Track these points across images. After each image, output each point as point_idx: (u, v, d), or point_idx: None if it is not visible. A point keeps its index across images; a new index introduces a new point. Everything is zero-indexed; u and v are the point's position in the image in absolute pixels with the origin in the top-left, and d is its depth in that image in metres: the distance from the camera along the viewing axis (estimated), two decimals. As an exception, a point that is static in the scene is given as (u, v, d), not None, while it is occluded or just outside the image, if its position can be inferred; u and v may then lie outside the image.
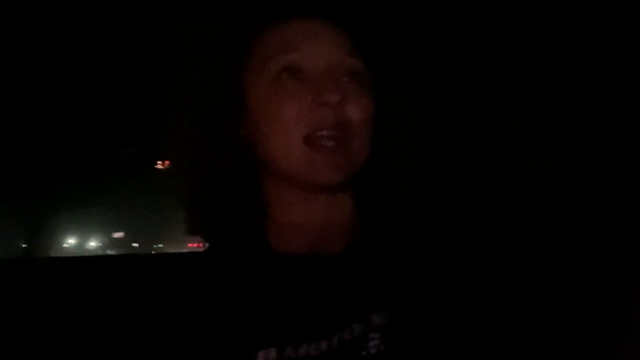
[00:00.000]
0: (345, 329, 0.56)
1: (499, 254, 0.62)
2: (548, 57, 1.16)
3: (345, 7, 0.62)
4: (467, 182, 1.19)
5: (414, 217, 0.65)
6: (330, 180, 0.57)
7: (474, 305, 0.57)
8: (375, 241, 0.62)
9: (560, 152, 1.17)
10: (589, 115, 1.13)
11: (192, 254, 0.67)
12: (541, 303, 0.62)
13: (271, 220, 0.63)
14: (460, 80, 1.22)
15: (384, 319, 0.56)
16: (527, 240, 0.71)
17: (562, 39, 1.12)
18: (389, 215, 0.64)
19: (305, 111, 0.57)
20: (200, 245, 0.65)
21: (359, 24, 0.62)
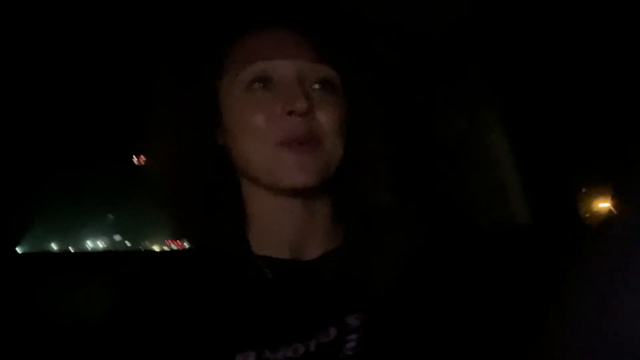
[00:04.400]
0: (322, 332, 0.63)
1: (472, 258, 0.68)
2: (523, 68, 1.23)
3: (314, 17, 0.69)
4: (441, 186, 1.28)
5: (388, 222, 0.70)
6: (301, 183, 0.62)
7: (446, 306, 0.64)
8: (351, 245, 0.69)
9: (534, 158, 1.25)
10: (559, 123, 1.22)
11: (174, 254, 0.74)
12: (512, 307, 0.68)
13: (251, 224, 0.69)
14: (434, 86, 1.30)
15: (359, 321, 0.63)
16: (500, 247, 0.78)
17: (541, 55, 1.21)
18: (364, 220, 0.70)
19: (275, 120, 0.63)
20: (178, 242, 0.74)
21: (327, 33, 0.68)
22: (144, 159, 0.77)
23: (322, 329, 0.63)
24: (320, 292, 0.66)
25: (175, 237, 0.74)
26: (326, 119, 0.65)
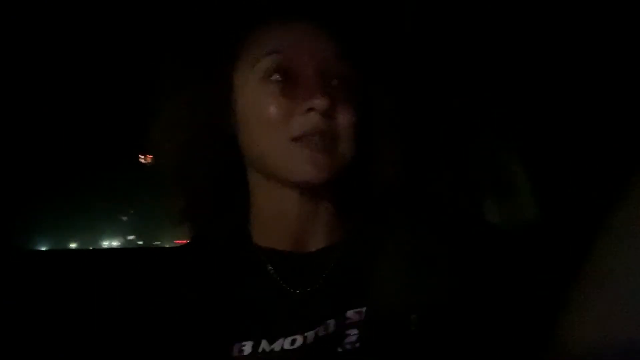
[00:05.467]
0: (321, 325, 0.63)
1: (477, 253, 0.67)
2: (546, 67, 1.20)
3: (336, 11, 0.67)
4: (450, 183, 1.27)
5: (392, 217, 0.69)
6: (312, 179, 0.62)
7: (449, 303, 0.63)
8: (354, 239, 0.69)
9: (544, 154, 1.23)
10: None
11: (177, 247, 0.73)
12: (516, 305, 0.66)
13: (254, 215, 0.69)
14: (450, 82, 1.29)
15: (360, 316, 0.63)
16: (505, 242, 0.78)
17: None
18: (368, 214, 0.69)
19: (293, 115, 0.62)
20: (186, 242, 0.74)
21: (349, 27, 0.67)
22: (150, 157, 0.77)
23: (321, 321, 0.63)
24: (321, 285, 0.65)
25: (181, 223, 0.71)
26: (343, 116, 0.64)
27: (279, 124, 0.63)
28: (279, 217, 0.68)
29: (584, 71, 1.16)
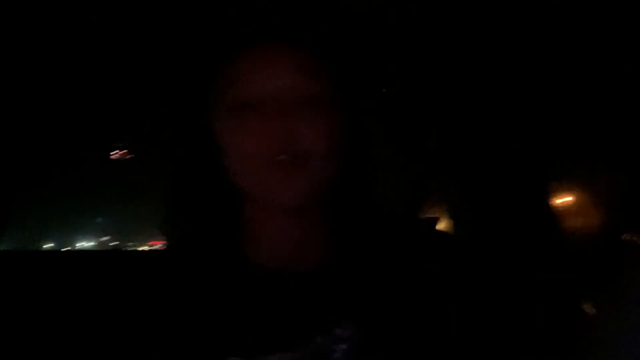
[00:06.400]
0: (310, 342, 0.64)
1: (464, 269, 0.68)
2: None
3: (303, 30, 0.66)
4: (433, 198, 1.27)
5: (383, 235, 0.70)
6: (289, 201, 0.63)
7: (439, 320, 0.64)
8: (345, 256, 0.69)
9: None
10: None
11: (167, 255, 0.71)
12: (508, 315, 0.66)
13: (248, 233, 0.69)
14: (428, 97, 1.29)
15: (349, 333, 0.64)
16: (493, 257, 0.77)
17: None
18: (358, 232, 0.69)
19: (257, 142, 0.63)
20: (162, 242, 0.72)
21: (316, 46, 0.66)
22: (122, 153, 0.69)
23: (311, 339, 0.64)
24: (312, 303, 0.66)
25: (170, 238, 0.71)
26: (311, 136, 0.63)
27: (246, 153, 0.64)
28: (272, 237, 0.68)
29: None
